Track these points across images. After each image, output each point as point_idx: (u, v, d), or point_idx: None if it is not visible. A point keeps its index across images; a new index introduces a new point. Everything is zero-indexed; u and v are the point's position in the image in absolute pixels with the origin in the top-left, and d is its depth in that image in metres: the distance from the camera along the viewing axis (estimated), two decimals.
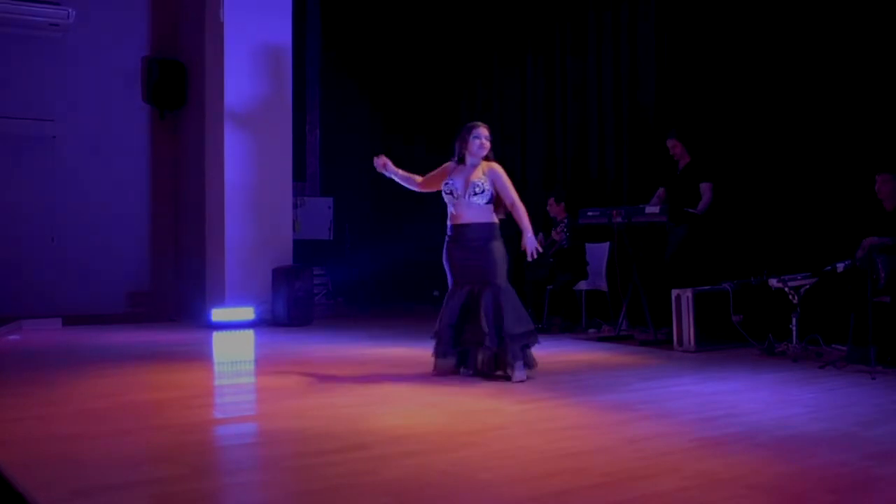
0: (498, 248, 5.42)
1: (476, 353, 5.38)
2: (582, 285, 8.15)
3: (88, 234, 9.59)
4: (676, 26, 7.92)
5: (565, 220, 8.16)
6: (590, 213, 7.59)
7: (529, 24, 9.61)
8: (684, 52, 7.84)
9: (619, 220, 7.24)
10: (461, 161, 5.51)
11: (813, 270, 6.14)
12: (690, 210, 7.05)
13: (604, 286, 8.12)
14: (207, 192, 9.22)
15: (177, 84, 9.97)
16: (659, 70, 8.08)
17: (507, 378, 5.24)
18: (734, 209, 7.23)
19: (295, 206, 9.77)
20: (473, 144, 5.45)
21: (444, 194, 5.48)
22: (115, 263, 9.71)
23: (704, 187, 7.13)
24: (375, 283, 11.58)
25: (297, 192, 10.52)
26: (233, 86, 8.82)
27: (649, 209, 7.13)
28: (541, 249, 5.71)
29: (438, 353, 5.51)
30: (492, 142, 5.54)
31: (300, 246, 10.02)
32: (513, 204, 5.47)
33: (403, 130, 11.33)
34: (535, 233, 5.66)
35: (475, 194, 5.38)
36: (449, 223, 5.53)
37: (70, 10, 9.24)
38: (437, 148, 5.84)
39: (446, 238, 5.54)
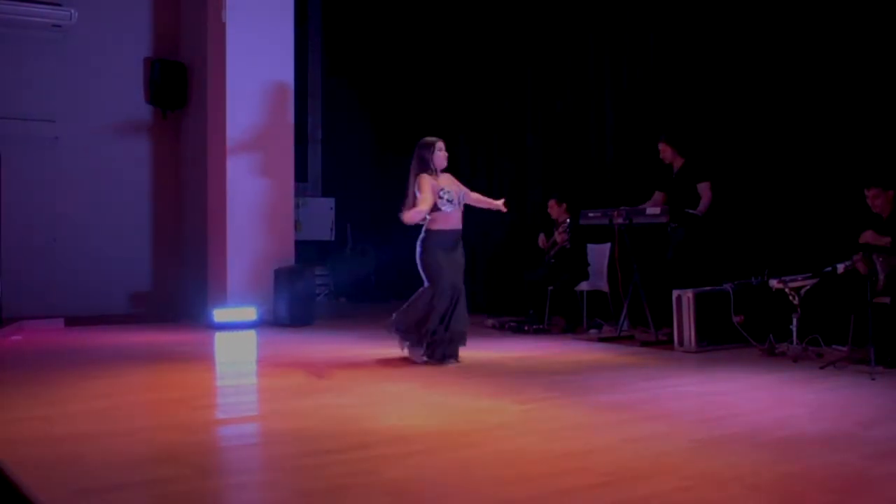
0: None
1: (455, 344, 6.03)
2: (583, 286, 8.16)
3: (90, 234, 9.60)
4: (675, 24, 7.91)
5: (567, 222, 8.16)
6: (591, 214, 7.59)
7: (529, 21, 9.60)
8: (684, 51, 7.83)
9: (620, 220, 7.24)
10: (433, 173, 6.05)
11: (813, 271, 6.14)
12: (691, 211, 7.05)
13: (605, 287, 8.12)
14: (209, 193, 9.22)
15: (178, 84, 9.98)
16: (659, 69, 8.08)
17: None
18: (734, 209, 7.22)
19: (296, 206, 9.76)
20: (439, 157, 6.07)
21: (444, 203, 5.98)
22: (116, 264, 9.71)
23: (703, 187, 7.12)
24: (377, 283, 11.59)
25: (299, 192, 10.52)
26: (234, 86, 8.82)
27: (650, 210, 7.14)
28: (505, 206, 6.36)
29: (435, 350, 6.00)
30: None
31: (302, 246, 10.03)
32: (478, 198, 6.33)
33: (404, 131, 11.31)
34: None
35: (463, 203, 6.14)
36: (442, 227, 6.00)
37: (72, 11, 9.26)
38: None
39: (434, 242, 6.00)
